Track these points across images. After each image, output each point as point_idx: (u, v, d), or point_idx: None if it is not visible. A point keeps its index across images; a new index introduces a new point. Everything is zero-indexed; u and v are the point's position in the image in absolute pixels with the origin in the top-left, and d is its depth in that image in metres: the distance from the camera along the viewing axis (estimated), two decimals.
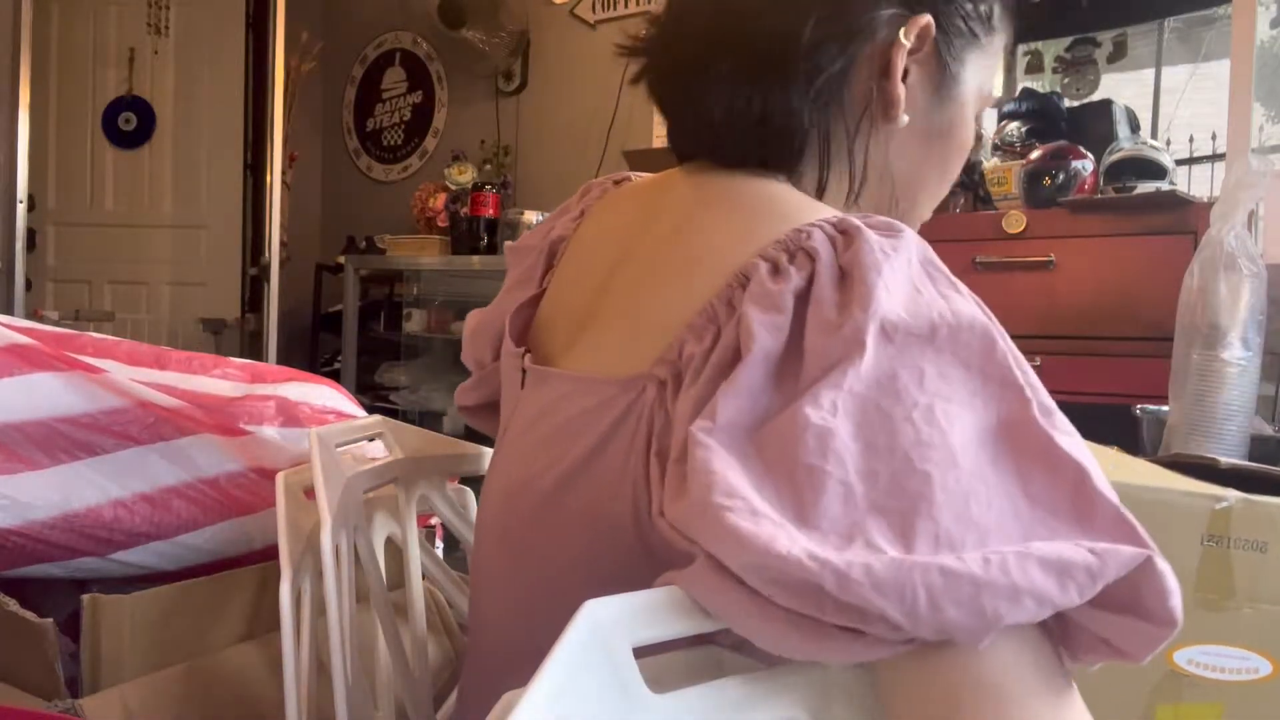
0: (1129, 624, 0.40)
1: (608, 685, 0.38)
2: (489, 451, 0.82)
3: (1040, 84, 2.92)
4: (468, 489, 0.95)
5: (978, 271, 2.37)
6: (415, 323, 3.66)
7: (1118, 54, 2.83)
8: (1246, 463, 1.08)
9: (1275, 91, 2.23)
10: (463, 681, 0.75)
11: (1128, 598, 0.40)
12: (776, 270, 0.49)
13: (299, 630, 0.75)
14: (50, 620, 0.79)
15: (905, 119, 0.62)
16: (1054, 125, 2.64)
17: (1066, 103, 2.76)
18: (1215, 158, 2.58)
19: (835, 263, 0.48)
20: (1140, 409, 1.49)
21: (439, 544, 1.23)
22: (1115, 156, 2.34)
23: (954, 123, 0.66)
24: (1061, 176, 2.35)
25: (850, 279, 0.47)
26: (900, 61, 0.60)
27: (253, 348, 3.67)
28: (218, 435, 1.00)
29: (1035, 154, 2.44)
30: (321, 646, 0.75)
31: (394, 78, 4.21)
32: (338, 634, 0.71)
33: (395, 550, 0.90)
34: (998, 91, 2.85)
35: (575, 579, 0.56)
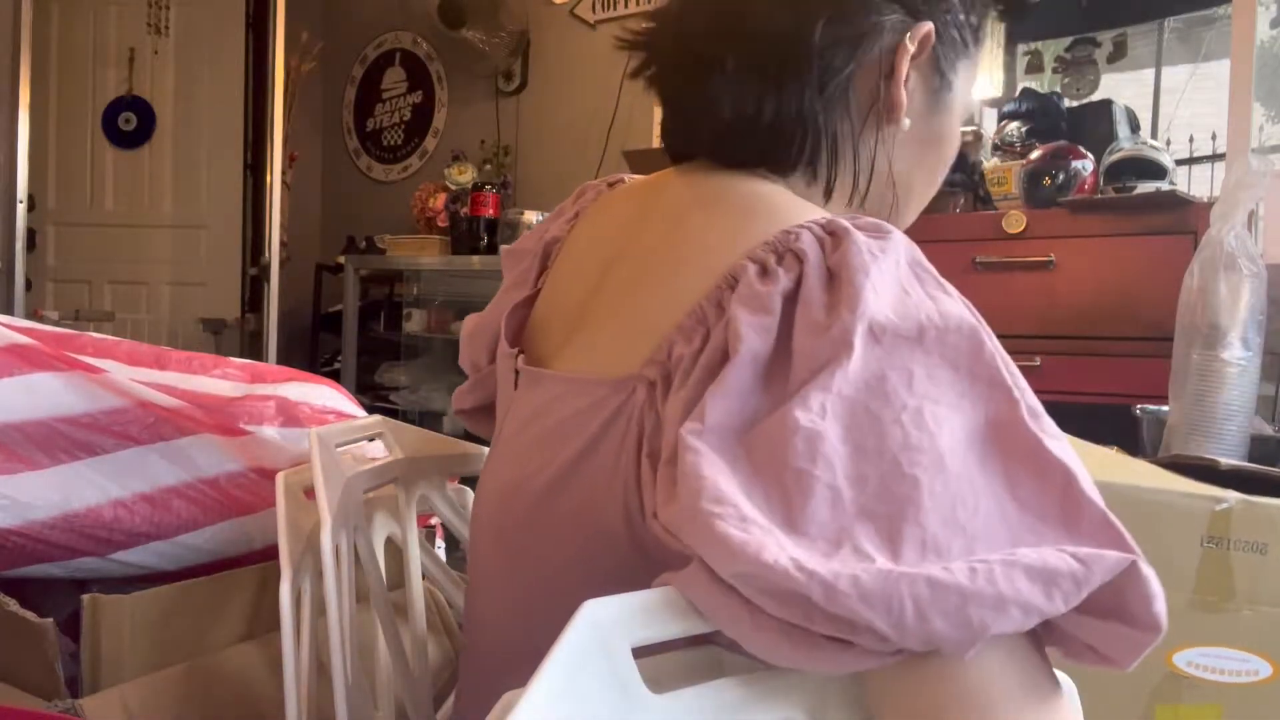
0: (1114, 629, 0.40)
1: (607, 685, 0.38)
2: (489, 452, 0.82)
3: (1040, 84, 2.92)
4: (468, 489, 0.95)
5: (978, 271, 2.37)
6: (415, 323, 3.66)
7: (1118, 54, 2.83)
8: (1247, 464, 1.08)
9: (1275, 91, 2.23)
10: (460, 681, 0.75)
11: (1113, 603, 0.40)
12: (765, 271, 0.49)
13: (299, 630, 0.75)
14: (50, 620, 0.79)
15: (907, 123, 0.63)
16: (1054, 125, 2.64)
17: (1066, 103, 2.76)
18: (1215, 158, 2.58)
19: (823, 264, 0.48)
20: (1140, 409, 1.49)
21: (439, 544, 1.23)
22: (1115, 156, 2.34)
23: (946, 130, 0.67)
24: (1061, 176, 2.35)
25: (838, 280, 0.47)
26: (905, 65, 0.61)
27: (253, 348, 3.67)
28: (218, 435, 1.00)
29: (1035, 154, 2.44)
30: (321, 646, 0.75)
31: (394, 78, 4.21)
32: (338, 634, 0.71)
33: (395, 550, 0.90)
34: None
35: (570, 579, 0.57)
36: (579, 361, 0.60)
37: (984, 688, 0.40)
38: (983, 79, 2.75)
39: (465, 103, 3.99)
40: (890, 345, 0.44)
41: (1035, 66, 2.96)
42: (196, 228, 3.88)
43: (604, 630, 0.38)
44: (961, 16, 0.64)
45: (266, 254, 3.47)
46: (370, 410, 1.11)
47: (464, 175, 3.66)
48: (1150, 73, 2.87)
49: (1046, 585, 0.38)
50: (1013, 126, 2.66)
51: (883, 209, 0.67)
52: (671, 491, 0.45)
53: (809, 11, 0.59)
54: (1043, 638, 0.42)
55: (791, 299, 0.47)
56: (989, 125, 2.86)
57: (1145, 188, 2.24)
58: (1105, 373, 2.20)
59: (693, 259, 0.55)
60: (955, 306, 0.47)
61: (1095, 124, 2.61)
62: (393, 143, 4.23)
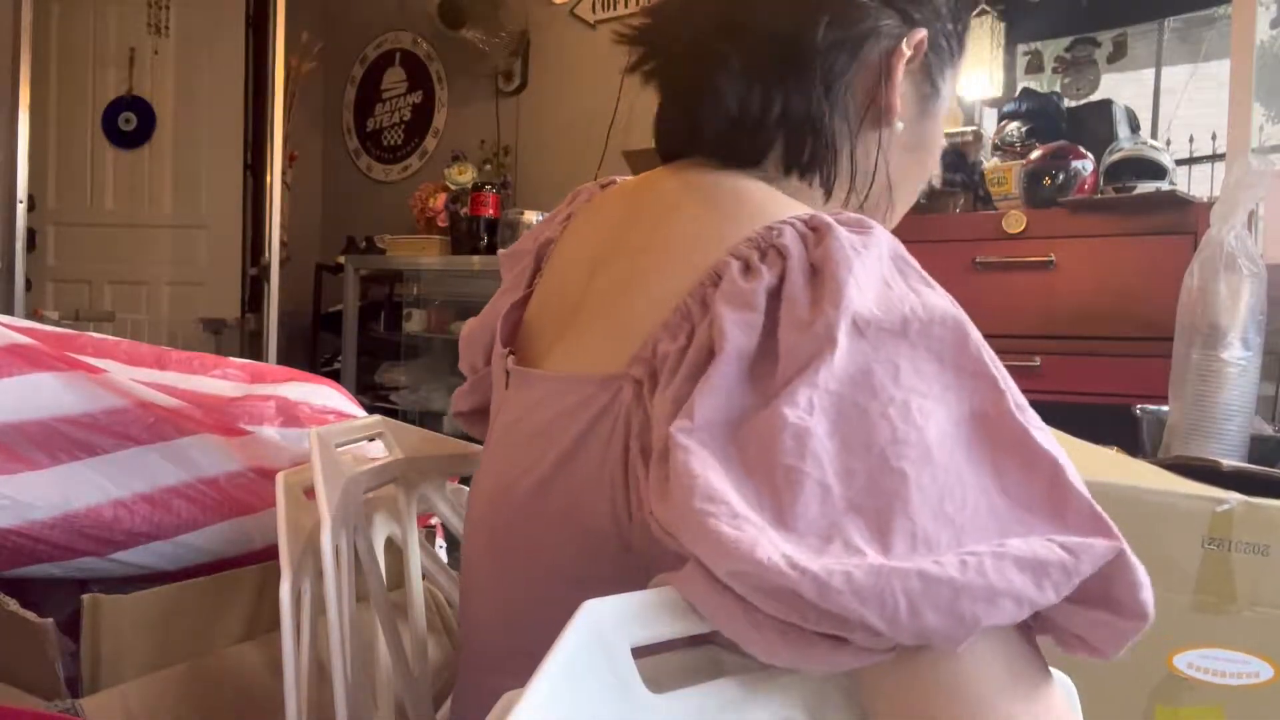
0: (1101, 619, 0.41)
1: (607, 685, 0.38)
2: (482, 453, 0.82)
3: (1040, 84, 2.92)
4: (467, 489, 0.95)
5: (978, 271, 2.37)
6: (415, 323, 3.66)
7: (1118, 54, 2.83)
8: (1249, 465, 1.08)
9: (1275, 91, 2.23)
10: (456, 682, 0.75)
11: (1100, 592, 0.40)
12: (748, 268, 0.49)
13: (299, 630, 0.75)
14: (50, 620, 0.79)
15: (900, 126, 0.64)
16: (1054, 125, 2.64)
17: (1066, 103, 2.76)
18: (1215, 158, 2.57)
19: (806, 259, 0.48)
20: (1140, 409, 1.49)
21: (439, 544, 1.23)
22: (1115, 156, 2.35)
23: (932, 136, 0.70)
24: (1061, 176, 2.35)
25: (822, 275, 0.47)
26: (900, 69, 0.63)
27: (253, 348, 3.67)
28: (218, 435, 1.00)
29: (1035, 154, 2.44)
30: (321, 646, 0.75)
31: (394, 78, 4.21)
32: (338, 634, 0.71)
33: (395, 550, 0.90)
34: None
35: (558, 579, 0.57)
36: (567, 361, 0.60)
37: (976, 679, 0.40)
38: (983, 79, 2.75)
39: (465, 103, 3.99)
40: (875, 339, 0.45)
41: (1035, 66, 2.96)
42: (196, 228, 3.88)
43: (604, 630, 0.38)
44: (950, 26, 0.66)
45: (266, 254, 3.47)
46: (370, 410, 1.11)
47: (464, 175, 3.66)
48: (1150, 73, 2.87)
49: (1037, 576, 0.38)
50: (1013, 126, 2.66)
51: (878, 212, 0.68)
52: (664, 489, 0.45)
53: (811, 13, 0.60)
54: (1033, 628, 0.43)
55: (775, 295, 0.48)
56: (989, 125, 2.86)
57: (1145, 188, 2.24)
58: (1105, 373, 2.20)
59: (677, 256, 0.55)
60: (939, 300, 0.47)
61: (1095, 124, 2.61)
62: (393, 143, 4.23)
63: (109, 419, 0.94)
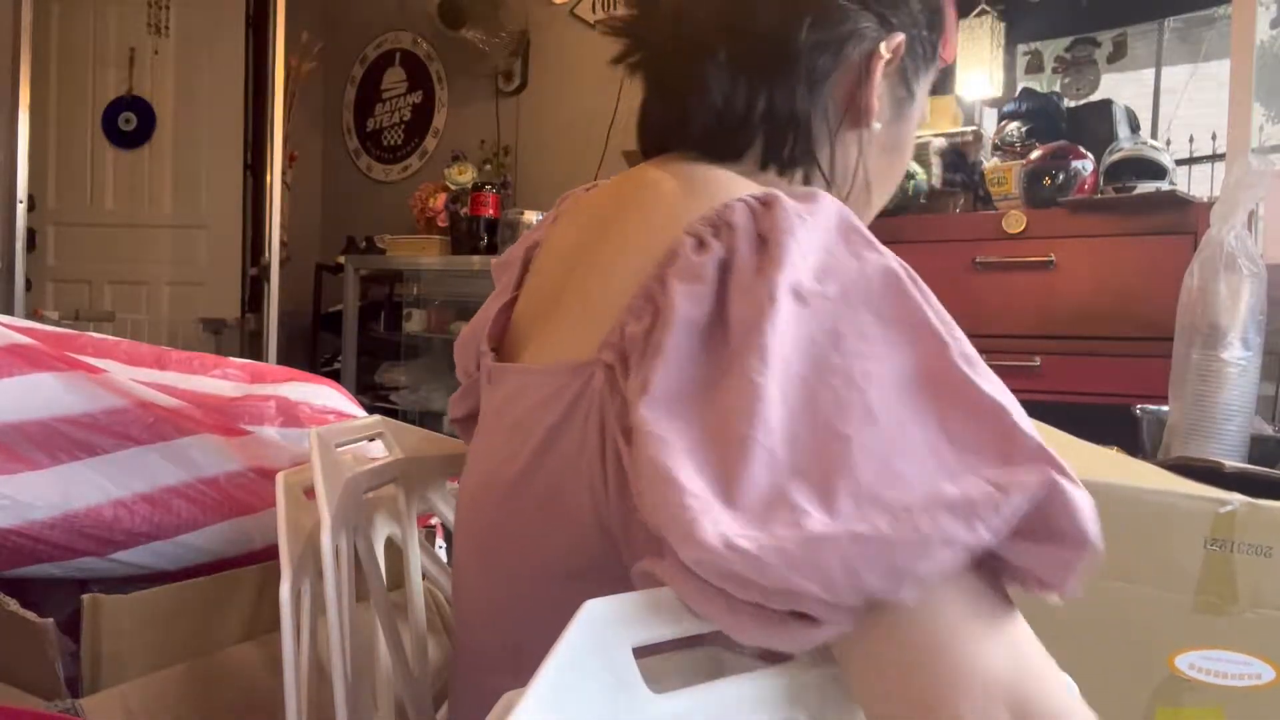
0: (1047, 551, 0.40)
1: (608, 685, 0.38)
2: None
3: (1040, 84, 2.92)
4: None
5: (978, 271, 2.37)
6: (415, 323, 3.66)
7: (1118, 54, 2.83)
8: (1251, 466, 1.08)
9: (1275, 91, 2.23)
10: (451, 681, 0.75)
11: (1042, 525, 0.40)
12: (701, 244, 0.50)
13: (299, 630, 0.75)
14: (50, 620, 0.79)
15: (878, 126, 0.66)
16: (1054, 125, 2.64)
17: (1066, 103, 2.76)
18: (1215, 158, 2.58)
19: (754, 231, 0.49)
20: (1140, 409, 1.49)
21: (439, 544, 1.23)
22: (1115, 156, 2.35)
23: (905, 138, 0.71)
24: (1061, 176, 2.35)
25: (768, 244, 0.47)
26: (879, 71, 0.64)
27: (253, 348, 3.67)
28: (218, 435, 1.00)
29: (1035, 154, 2.44)
30: (321, 646, 0.75)
31: (394, 78, 4.21)
32: (338, 634, 0.71)
33: (395, 550, 0.90)
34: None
35: (542, 572, 0.57)
36: (542, 354, 0.61)
37: (938, 630, 0.40)
38: (983, 79, 2.75)
39: (465, 103, 3.99)
40: (817, 305, 0.45)
41: (1035, 66, 2.96)
42: (196, 228, 3.88)
43: (604, 630, 0.38)
44: (925, 32, 0.68)
45: (266, 254, 3.47)
46: (370, 410, 1.11)
47: (464, 175, 3.66)
48: (1150, 73, 2.87)
49: (967, 517, 0.39)
50: (1013, 126, 2.66)
51: (856, 209, 0.68)
52: (637, 472, 0.45)
53: (795, 12, 0.62)
54: (991, 568, 0.42)
55: (726, 267, 0.48)
56: (989, 125, 2.86)
57: (1145, 188, 2.24)
58: (1105, 373, 2.20)
59: (643, 240, 0.56)
60: (882, 261, 0.48)
61: (1095, 124, 2.61)
62: (393, 143, 4.23)
63: (109, 419, 0.94)
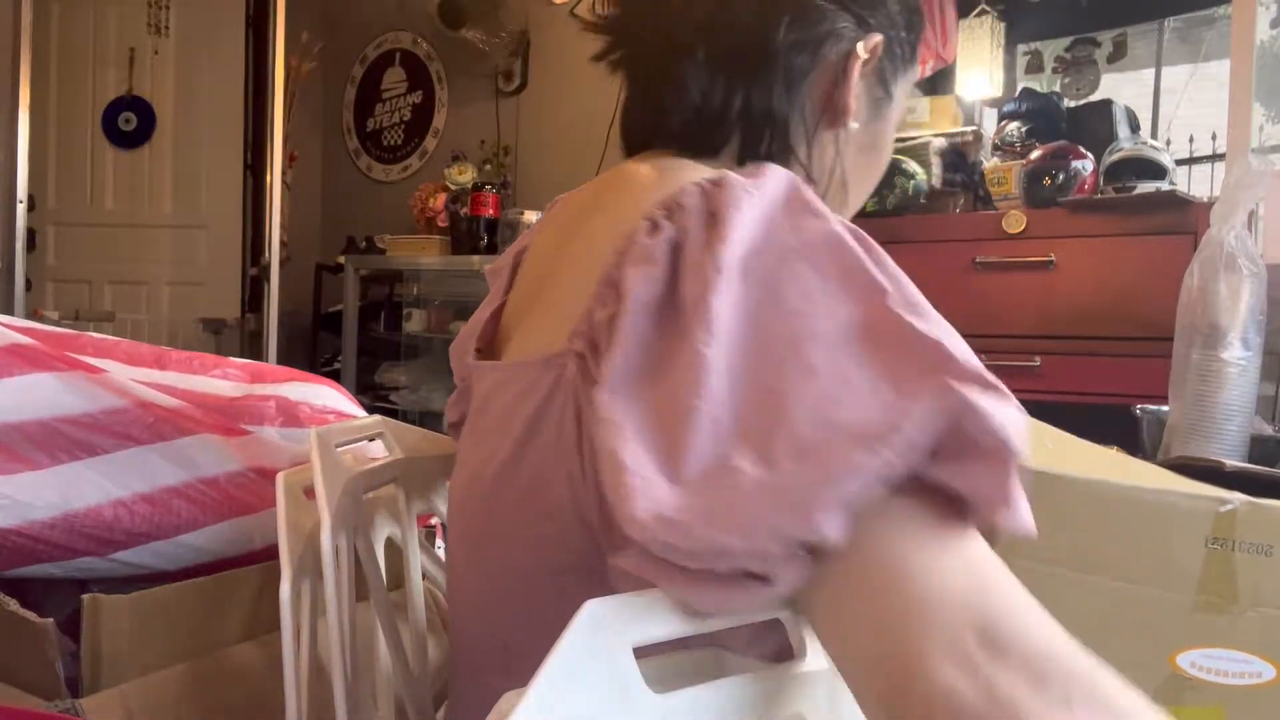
0: (974, 469, 0.40)
1: (608, 685, 0.38)
2: None
3: (1040, 84, 2.92)
4: None
5: (978, 271, 2.37)
6: (415, 323, 3.66)
7: (1118, 54, 2.83)
8: (1252, 466, 1.08)
9: (1275, 91, 2.23)
10: (450, 680, 0.76)
11: (960, 443, 0.40)
12: (655, 227, 0.50)
13: (299, 630, 0.75)
14: (50, 620, 0.79)
15: (855, 125, 0.66)
16: (1054, 125, 2.64)
17: (1066, 103, 2.76)
18: (1215, 158, 2.58)
19: (705, 209, 0.49)
20: (1140, 409, 1.49)
21: (439, 544, 1.23)
22: (1115, 156, 2.35)
23: (884, 138, 0.72)
24: (1061, 176, 2.35)
25: (715, 219, 0.48)
26: (856, 71, 0.65)
27: (253, 348, 3.67)
28: (218, 435, 1.00)
29: (1035, 154, 2.44)
30: (322, 646, 0.75)
31: (394, 78, 4.21)
32: (338, 634, 0.71)
33: (395, 550, 0.90)
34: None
35: (526, 567, 0.57)
36: (520, 350, 0.62)
37: (883, 564, 0.40)
38: (983, 79, 2.75)
39: (465, 103, 3.99)
40: (760, 273, 0.45)
41: (1035, 66, 2.96)
42: (196, 228, 3.88)
43: (604, 630, 0.38)
44: (903, 34, 0.69)
45: (266, 254, 3.47)
46: (370, 410, 1.11)
47: (464, 175, 3.66)
48: (1150, 73, 2.87)
49: (869, 445, 0.39)
50: (1013, 126, 2.66)
51: (833, 208, 0.69)
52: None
53: (773, 12, 0.63)
54: (933, 496, 0.42)
55: (678, 247, 0.48)
56: (989, 125, 2.86)
57: (1145, 188, 2.24)
58: (1105, 373, 2.20)
59: (609, 231, 0.57)
60: (825, 225, 0.48)
61: (1095, 124, 2.61)
62: (393, 143, 4.23)
63: (109, 419, 0.94)
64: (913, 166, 2.57)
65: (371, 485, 0.82)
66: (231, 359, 1.21)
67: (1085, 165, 2.35)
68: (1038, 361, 2.28)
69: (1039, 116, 2.66)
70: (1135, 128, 2.68)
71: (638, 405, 0.44)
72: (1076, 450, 0.87)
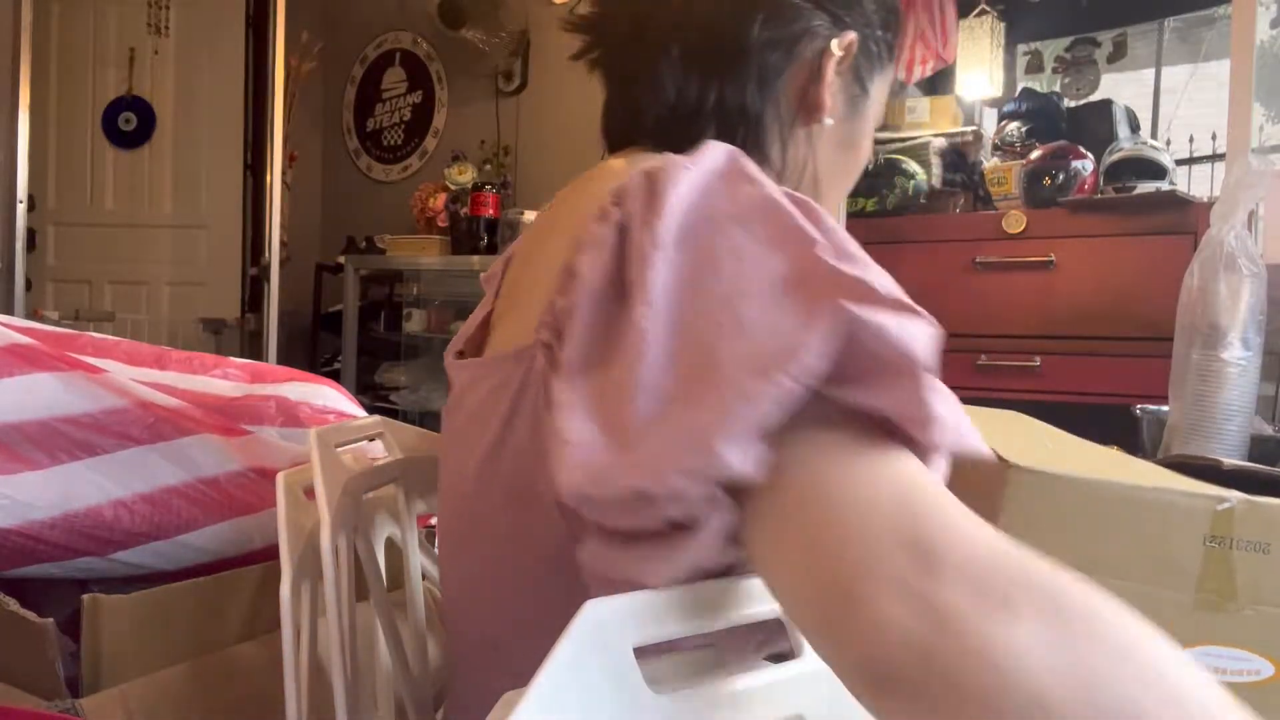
0: (882, 385, 0.40)
1: (608, 685, 0.38)
2: None
3: (1040, 84, 2.92)
4: None
5: (978, 271, 2.37)
6: (415, 323, 3.66)
7: (1118, 54, 2.83)
8: (1249, 464, 1.08)
9: (1275, 91, 2.23)
10: (449, 680, 0.76)
11: (863, 362, 0.40)
12: (604, 214, 0.51)
13: (299, 630, 0.75)
14: (50, 620, 0.79)
15: (830, 121, 0.67)
16: (1054, 125, 2.64)
17: (1066, 103, 2.76)
18: (1215, 158, 2.58)
19: (646, 190, 0.50)
20: (1140, 409, 1.49)
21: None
22: (1115, 156, 2.35)
23: (861, 135, 0.72)
24: (1061, 176, 2.35)
25: (653, 197, 0.48)
26: (830, 68, 0.66)
27: (253, 348, 3.67)
28: (218, 435, 1.00)
29: (1035, 154, 2.44)
30: (322, 646, 0.75)
31: (394, 78, 4.21)
32: (338, 634, 0.71)
33: (395, 550, 0.90)
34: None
35: (511, 563, 0.58)
36: (494, 346, 0.63)
37: (804, 488, 0.39)
38: (983, 79, 2.75)
39: (465, 103, 3.99)
40: (694, 241, 0.46)
41: (1035, 66, 2.97)
42: (196, 228, 3.88)
43: (604, 630, 0.38)
44: (880, 33, 0.70)
45: (266, 254, 3.47)
46: (370, 410, 1.11)
47: (464, 175, 3.66)
48: (1150, 73, 2.87)
49: (765, 373, 0.39)
50: (1013, 126, 2.66)
51: None
52: None
53: (748, 10, 0.64)
54: (854, 420, 0.41)
55: (624, 230, 0.49)
56: (989, 125, 2.86)
57: (1145, 188, 2.24)
58: (1105, 373, 2.20)
59: (571, 223, 0.58)
60: (761, 191, 0.48)
61: (1095, 124, 2.62)
62: (393, 143, 4.23)
63: (109, 419, 0.94)
64: (913, 166, 2.57)
65: (371, 485, 0.83)
66: (231, 359, 1.22)
67: (1085, 165, 2.35)
68: (1038, 361, 2.28)
69: (1039, 116, 2.66)
70: (1135, 128, 2.68)
71: (588, 385, 0.45)
72: (1076, 450, 0.88)
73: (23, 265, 3.31)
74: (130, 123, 3.83)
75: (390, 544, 0.88)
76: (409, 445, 0.88)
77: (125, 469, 0.94)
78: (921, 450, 0.41)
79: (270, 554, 0.89)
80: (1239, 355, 1.29)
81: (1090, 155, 2.37)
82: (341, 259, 3.86)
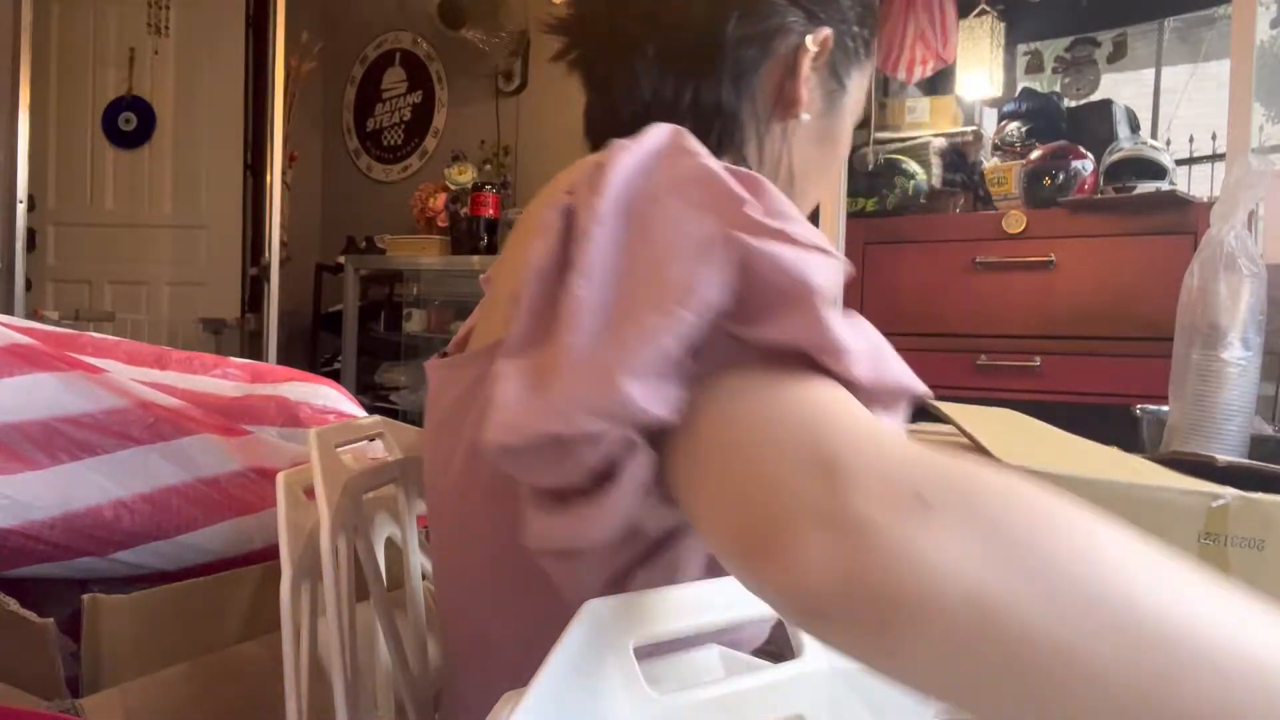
0: (782, 316, 0.40)
1: (608, 685, 0.38)
2: None
3: (1040, 84, 2.92)
4: None
5: (978, 271, 2.37)
6: (415, 323, 3.66)
7: (1118, 54, 2.83)
8: (1243, 460, 1.08)
9: (1275, 91, 2.23)
10: (446, 681, 0.76)
11: (761, 293, 0.40)
12: (554, 202, 0.51)
13: (299, 630, 0.75)
14: (50, 620, 0.79)
15: (806, 117, 0.68)
16: (1054, 125, 2.64)
17: (1066, 103, 2.76)
18: (1215, 158, 2.58)
19: (591, 174, 0.50)
20: (1140, 409, 1.49)
21: None
22: (1115, 156, 2.35)
23: (839, 131, 0.73)
24: (1061, 176, 2.35)
25: (596, 179, 0.49)
26: (806, 64, 0.66)
27: (253, 348, 3.67)
28: (218, 435, 1.00)
29: (1035, 154, 2.44)
30: (322, 646, 0.75)
31: (394, 78, 4.21)
32: (338, 634, 0.71)
33: (395, 550, 0.90)
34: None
35: (496, 560, 0.58)
36: (470, 346, 0.64)
37: (716, 430, 0.40)
38: (983, 79, 2.76)
39: (465, 103, 3.99)
40: (629, 213, 0.46)
41: (1035, 66, 2.97)
42: (196, 228, 3.88)
43: (604, 630, 0.38)
44: (855, 28, 0.70)
45: (266, 254, 3.47)
46: (370, 410, 1.11)
47: (464, 175, 3.66)
48: (1150, 73, 2.87)
49: (663, 308, 0.40)
50: (1013, 126, 2.66)
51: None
52: None
53: (722, 8, 0.64)
54: (763, 359, 0.41)
55: (571, 213, 0.49)
56: (989, 125, 2.86)
57: (1145, 188, 2.24)
58: (1105, 373, 2.20)
59: (532, 219, 0.58)
60: (698, 160, 0.48)
61: (1095, 124, 2.62)
62: (393, 143, 4.23)
63: (109, 419, 0.94)
64: (913, 166, 2.57)
65: (371, 485, 0.83)
66: (231, 359, 1.22)
67: (1085, 165, 2.35)
68: (1038, 361, 2.28)
69: (1039, 116, 2.66)
70: (1135, 128, 2.68)
71: (527, 359, 0.45)
72: (1071, 448, 0.88)
73: (23, 265, 3.32)
74: (130, 123, 3.83)
75: (390, 544, 0.88)
76: (409, 445, 0.88)
77: (125, 469, 0.94)
78: (842, 385, 0.41)
79: (270, 554, 0.89)
80: (1239, 355, 1.29)
81: (1090, 155, 2.37)
82: (341, 259, 3.87)
